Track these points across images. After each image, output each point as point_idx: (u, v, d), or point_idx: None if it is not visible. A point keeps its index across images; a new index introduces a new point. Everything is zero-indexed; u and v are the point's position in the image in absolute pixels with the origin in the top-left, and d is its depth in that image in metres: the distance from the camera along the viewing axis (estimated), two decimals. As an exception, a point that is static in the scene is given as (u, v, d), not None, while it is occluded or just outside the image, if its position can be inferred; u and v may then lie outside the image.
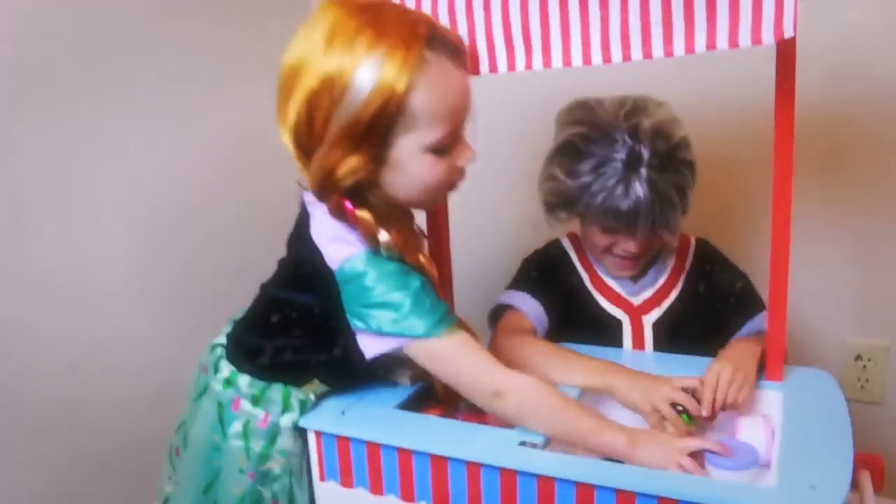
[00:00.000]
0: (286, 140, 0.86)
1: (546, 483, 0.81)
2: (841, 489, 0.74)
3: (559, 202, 1.10)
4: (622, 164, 1.02)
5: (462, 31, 0.87)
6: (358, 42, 0.79)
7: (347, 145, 0.82)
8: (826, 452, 0.80)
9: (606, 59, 0.81)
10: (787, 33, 0.74)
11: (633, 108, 1.06)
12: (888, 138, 1.27)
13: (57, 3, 1.22)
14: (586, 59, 0.82)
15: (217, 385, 0.98)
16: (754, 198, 1.37)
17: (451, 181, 0.90)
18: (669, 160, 1.04)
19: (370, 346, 0.89)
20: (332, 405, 0.97)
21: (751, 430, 0.93)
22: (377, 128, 0.81)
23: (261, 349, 0.98)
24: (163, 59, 1.39)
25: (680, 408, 0.94)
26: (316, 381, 0.97)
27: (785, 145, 0.85)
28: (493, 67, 0.88)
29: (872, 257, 1.34)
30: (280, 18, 1.08)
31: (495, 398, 0.87)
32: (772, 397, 0.96)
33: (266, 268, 1.00)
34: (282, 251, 0.98)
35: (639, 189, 1.02)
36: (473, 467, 0.84)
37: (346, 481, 0.93)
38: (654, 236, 1.08)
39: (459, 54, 0.87)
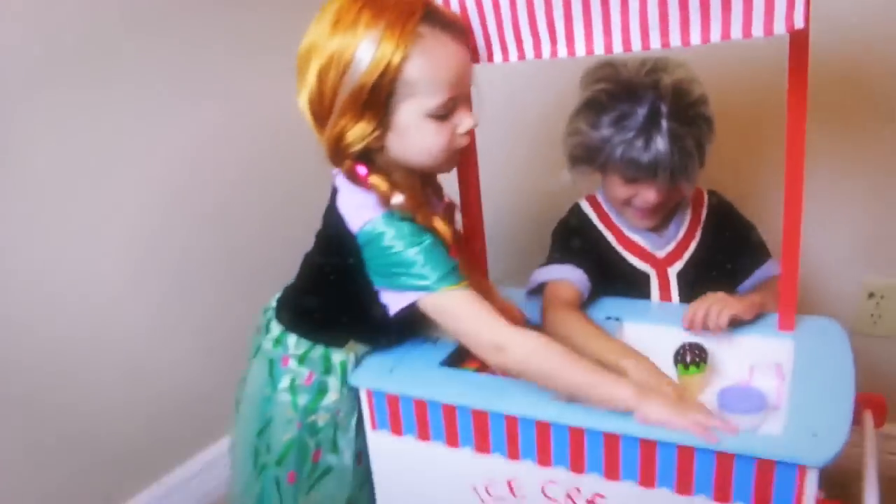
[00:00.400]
0: (305, 114, 0.95)
1: (576, 433, 0.91)
2: (840, 436, 0.82)
3: (583, 155, 1.17)
4: (643, 117, 1.08)
5: (490, 21, 0.92)
6: (359, 22, 0.88)
7: (353, 112, 0.91)
8: (830, 402, 0.89)
9: (627, 48, 0.86)
10: (798, 24, 0.78)
11: (654, 67, 1.11)
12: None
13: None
14: (608, 48, 0.87)
15: (268, 344, 1.09)
16: (770, 150, 1.41)
17: (453, 146, 0.97)
18: (688, 115, 1.10)
19: (393, 303, 0.98)
20: (381, 362, 1.07)
21: (762, 377, 1.01)
22: (379, 95, 0.89)
23: (303, 311, 1.09)
24: (180, 49, 1.42)
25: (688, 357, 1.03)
26: (352, 342, 1.07)
27: (798, 123, 0.90)
28: (521, 55, 0.93)
29: (886, 201, 1.39)
30: (296, 10, 1.11)
31: (497, 352, 0.93)
32: (784, 346, 1.03)
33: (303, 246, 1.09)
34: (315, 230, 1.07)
35: (659, 142, 1.08)
36: (511, 419, 0.94)
37: (396, 430, 1.04)
38: (672, 187, 1.14)
39: (457, 30, 0.94)
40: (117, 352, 1.42)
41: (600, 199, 1.28)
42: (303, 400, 1.07)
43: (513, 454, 0.96)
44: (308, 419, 1.07)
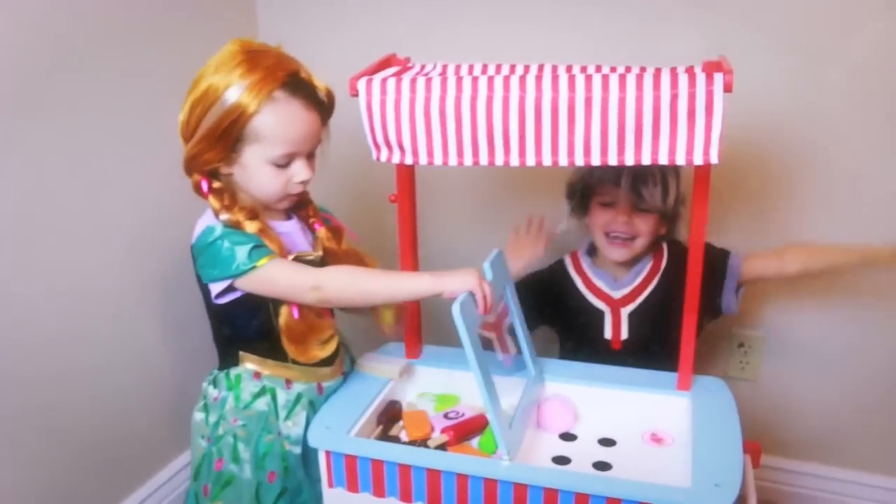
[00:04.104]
0: (179, 126, 1.14)
1: (519, 488, 1.04)
2: (736, 485, 1.01)
3: (578, 181, 1.45)
4: None
5: (450, 128, 1.04)
6: (234, 71, 1.09)
7: (209, 142, 1.11)
8: (725, 455, 1.07)
9: (571, 162, 1.01)
10: (713, 160, 0.96)
11: None
12: (770, 172, 1.56)
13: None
14: (555, 162, 1.02)
15: (204, 382, 1.25)
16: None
17: (286, 191, 1.17)
18: None
19: (214, 290, 1.15)
20: (338, 422, 1.17)
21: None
22: (230, 134, 1.10)
23: (216, 345, 1.26)
24: (167, 56, 1.51)
25: None
26: (242, 354, 1.21)
27: (699, 226, 1.09)
28: (475, 162, 1.06)
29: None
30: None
31: (317, 291, 1.12)
32: (682, 403, 1.22)
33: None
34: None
35: (626, 168, 1.35)
36: (462, 477, 1.07)
37: (352, 488, 1.14)
38: (637, 210, 1.39)
39: (313, 101, 1.14)
40: (117, 353, 1.51)
41: (581, 253, 1.53)
42: (213, 417, 1.21)
43: (462, 507, 1.09)
44: (215, 433, 1.20)
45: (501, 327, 1.24)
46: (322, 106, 1.16)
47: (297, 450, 1.22)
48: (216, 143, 1.10)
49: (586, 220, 1.48)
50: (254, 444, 1.19)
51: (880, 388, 1.63)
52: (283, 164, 1.13)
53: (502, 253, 1.22)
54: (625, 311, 1.45)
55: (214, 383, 1.24)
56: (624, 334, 1.45)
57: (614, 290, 1.47)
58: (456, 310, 1.01)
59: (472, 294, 1.06)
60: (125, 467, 1.59)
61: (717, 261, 1.43)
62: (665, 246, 1.49)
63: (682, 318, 1.22)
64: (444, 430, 1.19)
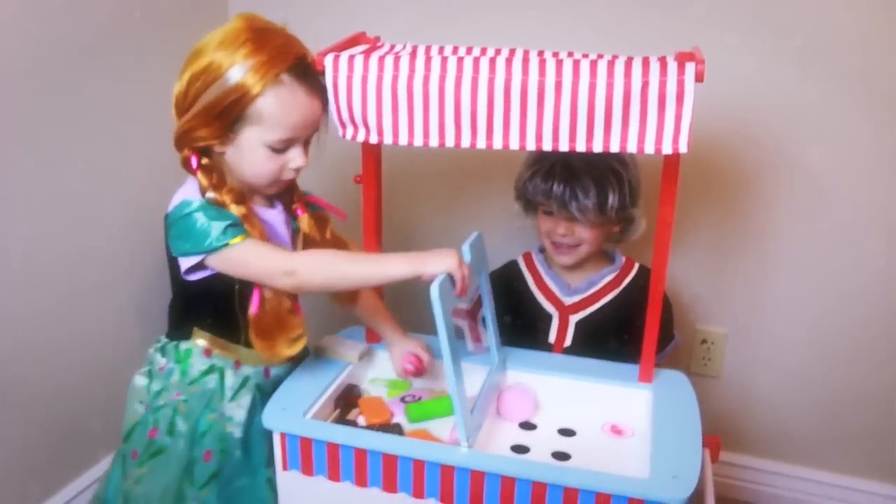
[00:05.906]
0: (172, 100, 1.10)
1: (477, 475, 1.03)
2: (694, 477, 1.00)
3: (521, 187, 1.42)
4: (554, 157, 1.31)
5: (417, 107, 1.02)
6: (239, 49, 1.04)
7: (205, 118, 1.06)
8: (684, 447, 1.07)
9: (539, 146, 1.00)
10: (682, 149, 0.95)
11: None
12: (736, 172, 1.56)
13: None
14: (522, 146, 1.00)
15: (151, 349, 1.23)
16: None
17: (279, 177, 1.13)
18: (595, 160, 1.31)
19: (184, 265, 1.10)
20: (293, 404, 1.14)
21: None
22: (230, 112, 1.05)
23: (169, 313, 1.23)
24: (161, 56, 1.43)
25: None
26: (196, 330, 1.19)
27: (667, 218, 1.09)
28: (441, 143, 1.04)
29: (717, 267, 1.65)
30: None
31: (289, 276, 1.06)
32: (643, 395, 1.22)
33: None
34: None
35: (558, 174, 1.34)
36: (419, 463, 1.05)
37: (307, 471, 1.11)
38: (571, 219, 1.37)
39: (316, 86, 1.09)
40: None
41: (533, 252, 1.52)
42: (156, 386, 1.19)
43: (418, 493, 1.07)
44: (156, 402, 1.18)
45: (476, 315, 1.23)
46: (325, 92, 1.11)
47: (238, 433, 1.19)
48: (213, 120, 1.06)
49: (535, 223, 1.47)
50: (193, 420, 1.17)
51: (841, 388, 1.64)
52: (281, 148, 1.09)
53: (481, 236, 1.19)
54: (573, 319, 1.44)
55: (163, 352, 1.21)
56: (567, 341, 1.44)
57: (566, 295, 1.46)
58: (434, 291, 0.97)
59: (450, 276, 1.03)
60: (77, 445, 1.56)
61: (666, 330, 1.38)
62: (636, 267, 1.48)
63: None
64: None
